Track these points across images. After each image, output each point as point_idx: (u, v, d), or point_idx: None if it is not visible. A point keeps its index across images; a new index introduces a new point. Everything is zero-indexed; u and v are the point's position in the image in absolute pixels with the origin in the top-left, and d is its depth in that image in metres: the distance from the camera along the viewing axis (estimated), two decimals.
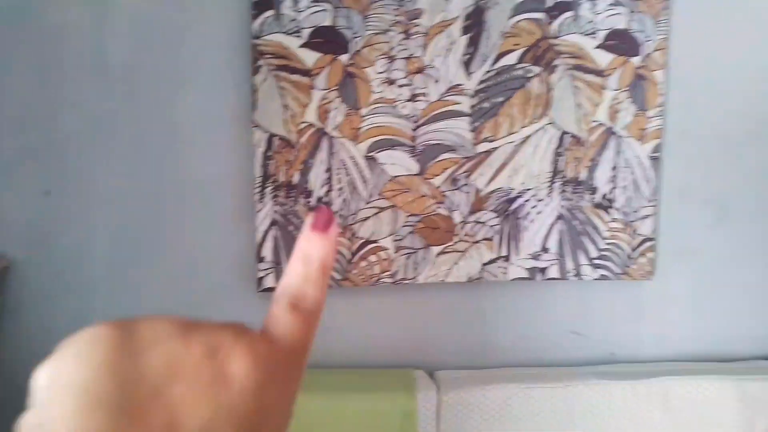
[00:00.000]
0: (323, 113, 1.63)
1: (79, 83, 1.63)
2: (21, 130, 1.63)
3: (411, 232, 1.69)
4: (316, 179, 1.65)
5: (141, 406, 0.25)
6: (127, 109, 1.65)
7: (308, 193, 1.65)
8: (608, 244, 1.75)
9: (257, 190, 1.64)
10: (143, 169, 1.66)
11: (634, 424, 1.59)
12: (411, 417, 1.54)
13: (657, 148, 1.74)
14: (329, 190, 1.66)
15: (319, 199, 1.66)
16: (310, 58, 1.63)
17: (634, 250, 1.76)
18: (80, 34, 1.62)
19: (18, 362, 1.66)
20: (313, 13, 1.62)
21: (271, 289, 1.68)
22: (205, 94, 1.65)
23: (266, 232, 1.65)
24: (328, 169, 1.65)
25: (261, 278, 1.66)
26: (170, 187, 1.67)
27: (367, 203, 1.67)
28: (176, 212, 1.68)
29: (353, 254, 1.68)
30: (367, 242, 1.68)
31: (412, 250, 1.70)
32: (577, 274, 1.75)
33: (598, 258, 1.75)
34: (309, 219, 0.33)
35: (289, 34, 1.62)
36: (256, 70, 1.61)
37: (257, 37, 1.61)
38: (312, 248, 0.33)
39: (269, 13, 1.61)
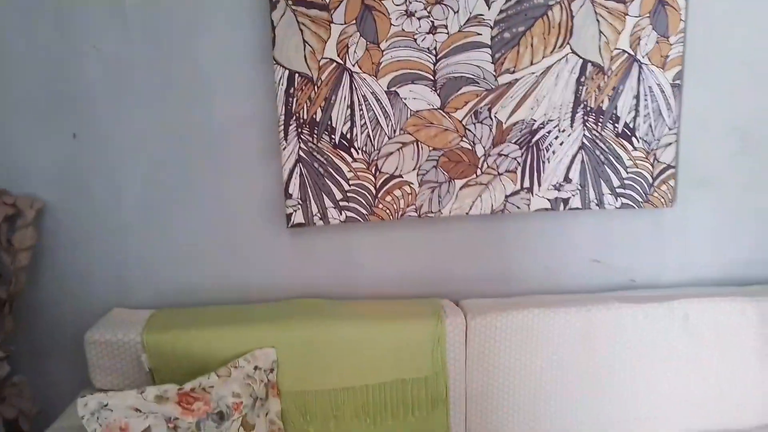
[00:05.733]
0: (343, 48, 1.63)
1: (98, 29, 1.63)
2: (44, 76, 1.64)
3: (434, 166, 1.71)
4: (338, 115, 1.66)
5: None
6: (148, 53, 1.64)
7: (332, 130, 1.67)
8: (630, 173, 1.76)
9: (281, 128, 1.66)
10: (167, 112, 1.68)
11: (654, 345, 1.64)
12: (441, 341, 1.60)
13: (678, 75, 1.72)
14: (352, 126, 1.67)
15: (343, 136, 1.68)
16: None
17: (655, 178, 1.77)
18: None
19: (54, 300, 1.73)
20: None
21: (299, 225, 1.71)
22: (224, 33, 1.64)
23: (292, 170, 1.68)
24: (350, 105, 1.66)
25: (289, 215, 1.70)
26: (195, 128, 1.68)
27: (390, 138, 1.68)
28: (203, 153, 1.70)
29: (378, 189, 1.71)
30: (392, 177, 1.70)
31: (435, 184, 1.72)
32: (599, 204, 1.77)
33: (621, 187, 1.76)
34: None
35: None
36: (273, 6, 1.60)
37: None
38: None
39: None
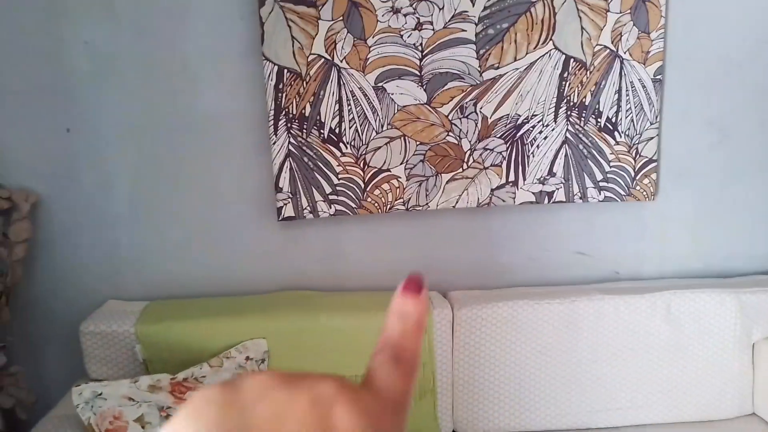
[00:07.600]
0: (330, 44, 1.66)
1: (87, 22, 1.65)
2: (35, 70, 1.66)
3: (422, 161, 1.74)
4: (327, 111, 1.69)
5: None
6: (136, 46, 1.67)
7: (321, 125, 1.70)
8: (613, 166, 1.80)
9: (271, 123, 1.69)
10: (157, 105, 1.70)
11: (636, 335, 1.68)
12: (428, 331, 1.64)
13: (660, 71, 1.76)
14: (341, 121, 1.70)
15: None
16: None
17: (637, 172, 1.81)
18: None
19: (49, 292, 1.76)
20: None
21: (290, 218, 1.75)
22: (213, 28, 1.67)
23: (282, 164, 1.71)
24: (339, 101, 1.69)
25: (280, 208, 1.73)
26: (185, 121, 1.71)
27: (378, 133, 1.72)
28: (192, 146, 1.73)
29: (367, 183, 1.74)
30: (380, 171, 1.74)
31: (423, 178, 1.76)
32: (583, 197, 1.81)
33: (603, 180, 1.80)
34: (402, 284, 0.36)
35: None
36: (262, 2, 1.63)
37: None
38: (407, 307, 0.35)
39: None
